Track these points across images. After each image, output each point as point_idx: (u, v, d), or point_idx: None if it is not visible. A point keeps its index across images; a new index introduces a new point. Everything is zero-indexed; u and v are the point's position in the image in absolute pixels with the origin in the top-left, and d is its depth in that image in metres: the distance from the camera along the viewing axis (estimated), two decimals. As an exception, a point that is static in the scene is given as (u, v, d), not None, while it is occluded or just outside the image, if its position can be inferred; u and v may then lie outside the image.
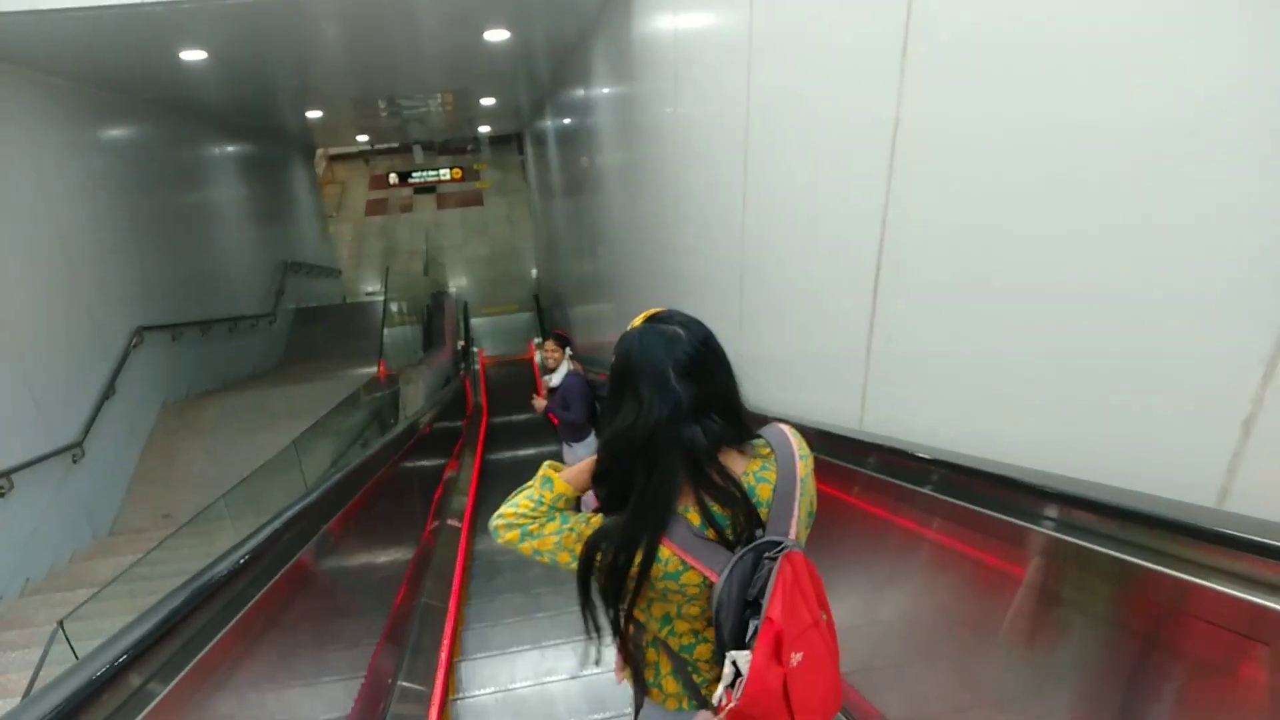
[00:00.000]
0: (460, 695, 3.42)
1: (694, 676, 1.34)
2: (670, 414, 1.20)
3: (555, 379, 4.73)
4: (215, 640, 1.68)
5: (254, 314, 10.26)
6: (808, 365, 2.90)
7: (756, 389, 1.38)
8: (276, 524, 2.29)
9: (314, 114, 11.32)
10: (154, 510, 5.94)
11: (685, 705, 1.35)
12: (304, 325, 12.65)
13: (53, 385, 5.59)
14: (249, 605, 1.88)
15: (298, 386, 8.37)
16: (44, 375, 5.50)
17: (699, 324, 1.30)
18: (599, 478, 1.32)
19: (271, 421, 7.05)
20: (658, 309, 1.32)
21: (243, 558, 1.94)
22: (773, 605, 1.16)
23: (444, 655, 3.46)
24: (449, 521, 5.39)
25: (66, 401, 5.74)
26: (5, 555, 4.98)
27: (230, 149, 11.23)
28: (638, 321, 1.30)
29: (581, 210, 8.73)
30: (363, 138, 14.72)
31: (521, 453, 9.79)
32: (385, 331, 9.64)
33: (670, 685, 1.36)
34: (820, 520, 1.39)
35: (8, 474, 4.97)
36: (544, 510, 1.31)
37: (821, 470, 1.42)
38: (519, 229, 19.79)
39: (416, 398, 7.48)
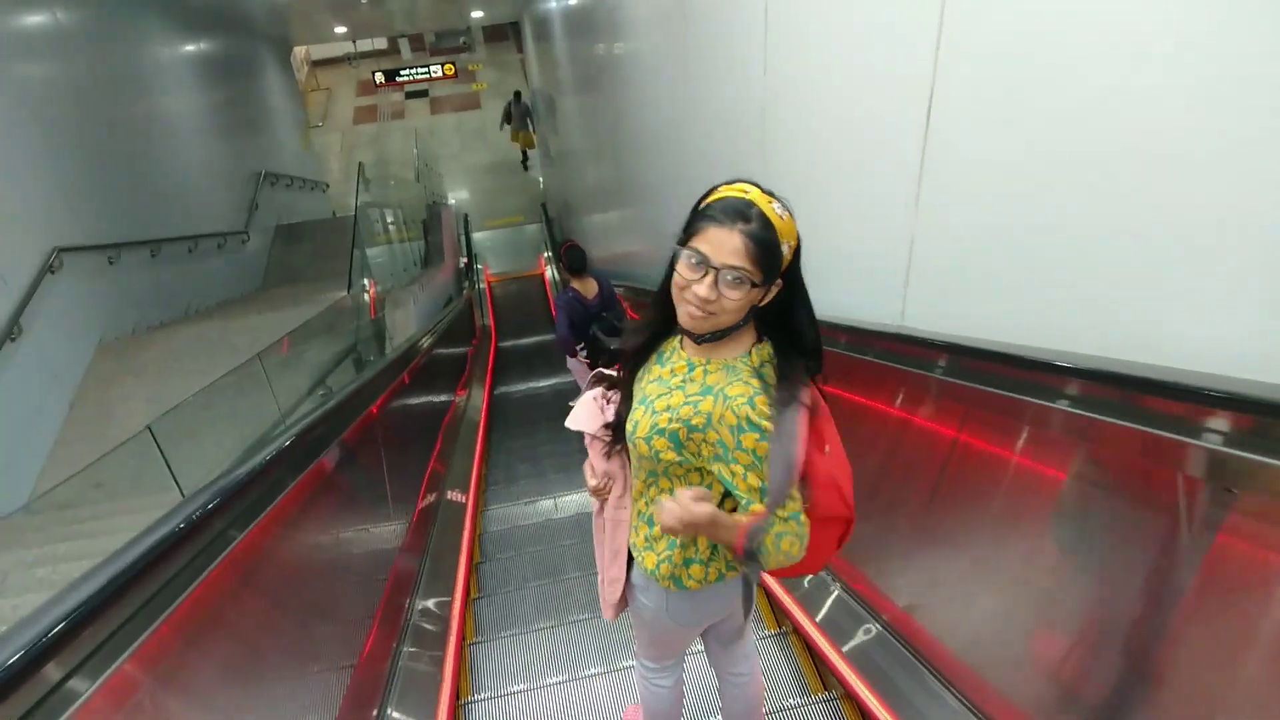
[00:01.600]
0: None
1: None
2: None
3: None
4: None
5: (219, 231, 8.86)
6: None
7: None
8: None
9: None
10: (83, 478, 4.71)
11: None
12: (286, 244, 11.24)
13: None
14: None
15: (271, 315, 7.03)
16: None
17: None
18: None
19: (233, 359, 5.75)
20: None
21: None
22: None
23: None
24: (450, 495, 4.17)
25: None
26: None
27: (185, 46, 9.62)
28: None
29: (600, 107, 7.15)
30: (341, 29, 12.95)
31: (538, 384, 8.56)
32: (367, 249, 8.28)
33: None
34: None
35: None
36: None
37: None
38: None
39: (407, 324, 6.18)
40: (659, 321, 1.39)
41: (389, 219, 9.38)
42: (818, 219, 1.78)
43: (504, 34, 21.88)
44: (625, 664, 2.66)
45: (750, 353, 1.30)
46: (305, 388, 4.41)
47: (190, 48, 9.84)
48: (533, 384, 8.67)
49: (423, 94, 19.90)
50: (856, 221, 2.39)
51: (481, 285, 12.93)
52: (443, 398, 5.39)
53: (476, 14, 13.35)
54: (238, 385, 4.20)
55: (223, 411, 4.09)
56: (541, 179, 16.34)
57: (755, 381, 1.25)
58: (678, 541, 1.42)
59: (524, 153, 16.21)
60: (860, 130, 2.31)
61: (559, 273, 8.56)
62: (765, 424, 1.22)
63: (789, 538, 1.23)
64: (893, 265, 2.16)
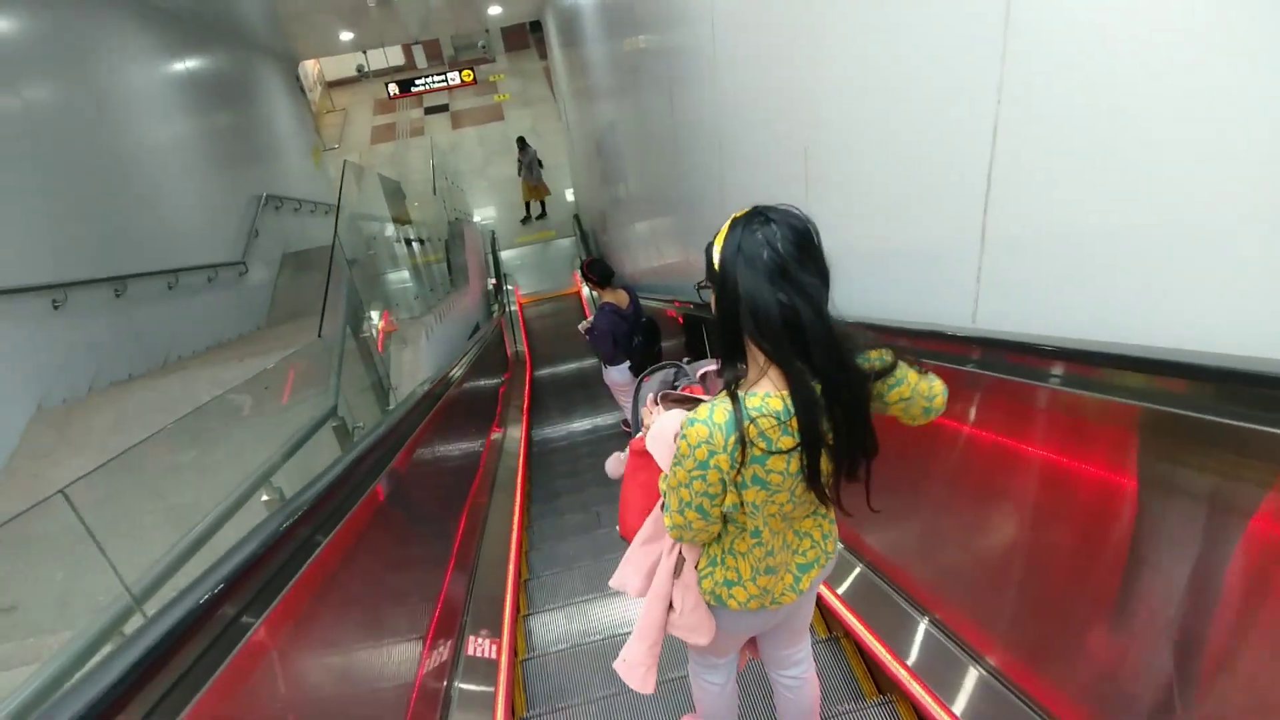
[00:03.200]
0: None
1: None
2: None
3: None
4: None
5: (209, 263, 7.65)
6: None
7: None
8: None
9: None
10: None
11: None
12: (295, 273, 10.03)
13: None
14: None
15: (263, 359, 5.74)
16: None
17: None
18: None
19: (244, 423, 4.48)
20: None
21: None
22: None
23: None
24: (484, 594, 2.79)
25: None
26: None
27: (170, 61, 8.51)
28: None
29: (649, 106, 5.81)
30: (348, 35, 11.84)
31: (578, 425, 7.18)
32: (383, 274, 6.97)
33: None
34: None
35: None
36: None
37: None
38: (548, 143, 16.80)
39: (418, 366, 4.84)
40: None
41: (409, 235, 8.05)
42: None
43: (525, 41, 20.79)
44: (675, 674, 2.44)
45: (760, 394, 1.25)
46: (242, 488, 2.87)
47: (178, 63, 8.73)
48: (577, 424, 7.30)
49: (442, 108, 18.82)
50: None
51: (513, 308, 11.65)
52: (462, 474, 4.05)
53: (494, 10, 12.08)
54: (115, 490, 2.81)
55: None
56: (570, 190, 15.06)
57: (721, 415, 1.23)
58: (719, 560, 1.46)
59: (528, 205, 14.72)
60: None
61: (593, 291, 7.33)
62: (683, 445, 1.26)
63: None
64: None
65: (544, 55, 18.25)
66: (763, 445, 1.21)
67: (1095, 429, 1.46)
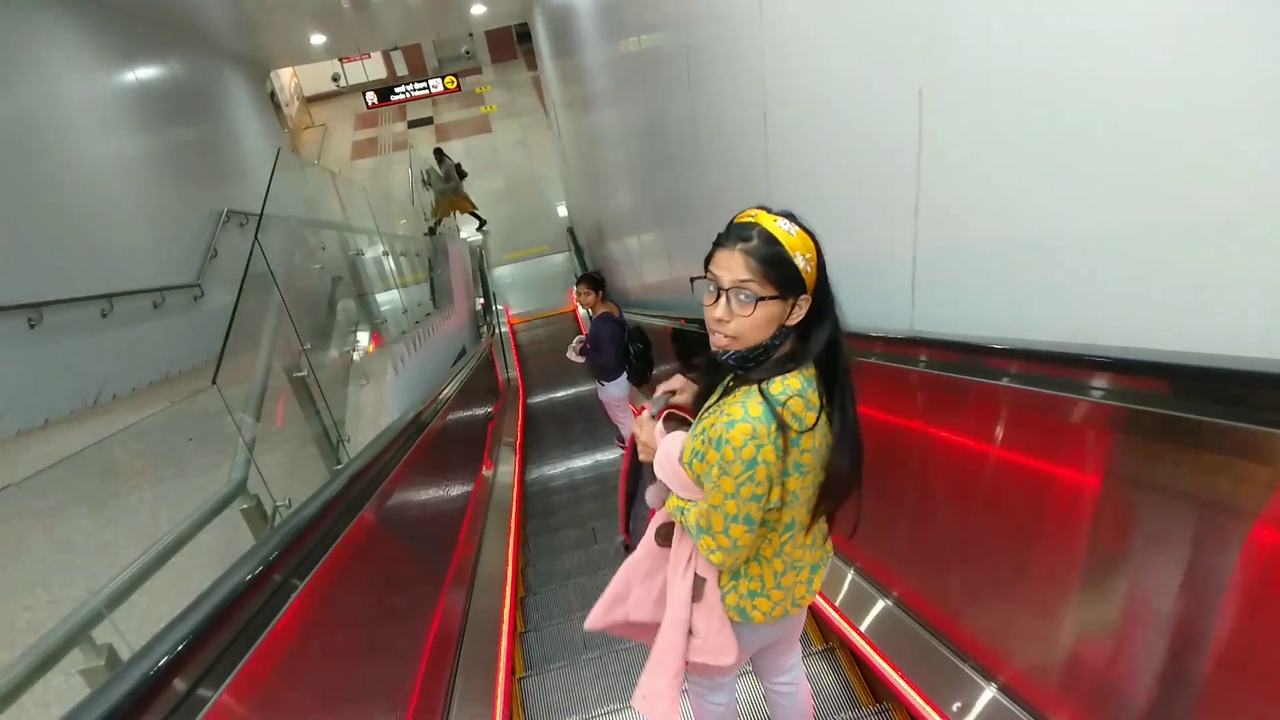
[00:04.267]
0: None
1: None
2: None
3: None
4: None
5: (155, 287, 6.72)
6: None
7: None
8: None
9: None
10: None
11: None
12: (263, 296, 9.12)
13: None
14: None
15: (206, 400, 4.80)
16: None
17: None
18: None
19: (103, 498, 3.58)
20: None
21: None
22: None
23: None
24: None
25: None
26: None
27: (113, 63, 7.63)
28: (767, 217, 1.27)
29: (651, 112, 5.04)
30: (320, 39, 10.97)
31: (579, 462, 6.28)
32: (359, 296, 6.05)
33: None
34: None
35: None
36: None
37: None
38: (538, 155, 16.00)
39: (383, 407, 3.91)
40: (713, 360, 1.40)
41: (382, 249, 7.07)
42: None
43: (512, 52, 20.05)
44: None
45: (775, 380, 1.27)
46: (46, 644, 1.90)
47: (126, 70, 7.85)
48: (578, 460, 6.38)
49: (427, 121, 17.99)
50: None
51: (503, 329, 10.73)
52: (435, 551, 3.13)
53: (477, 9, 11.20)
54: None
55: None
56: (561, 205, 14.20)
57: (757, 409, 1.23)
58: (741, 572, 1.45)
59: (437, 223, 13.36)
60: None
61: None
62: (728, 450, 1.23)
63: (694, 513, 1.37)
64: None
65: (533, 66, 17.48)
66: (797, 426, 1.24)
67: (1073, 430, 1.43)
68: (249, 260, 3.35)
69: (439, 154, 12.70)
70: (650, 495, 1.56)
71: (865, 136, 2.15)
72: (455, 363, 6.99)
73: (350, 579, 1.90)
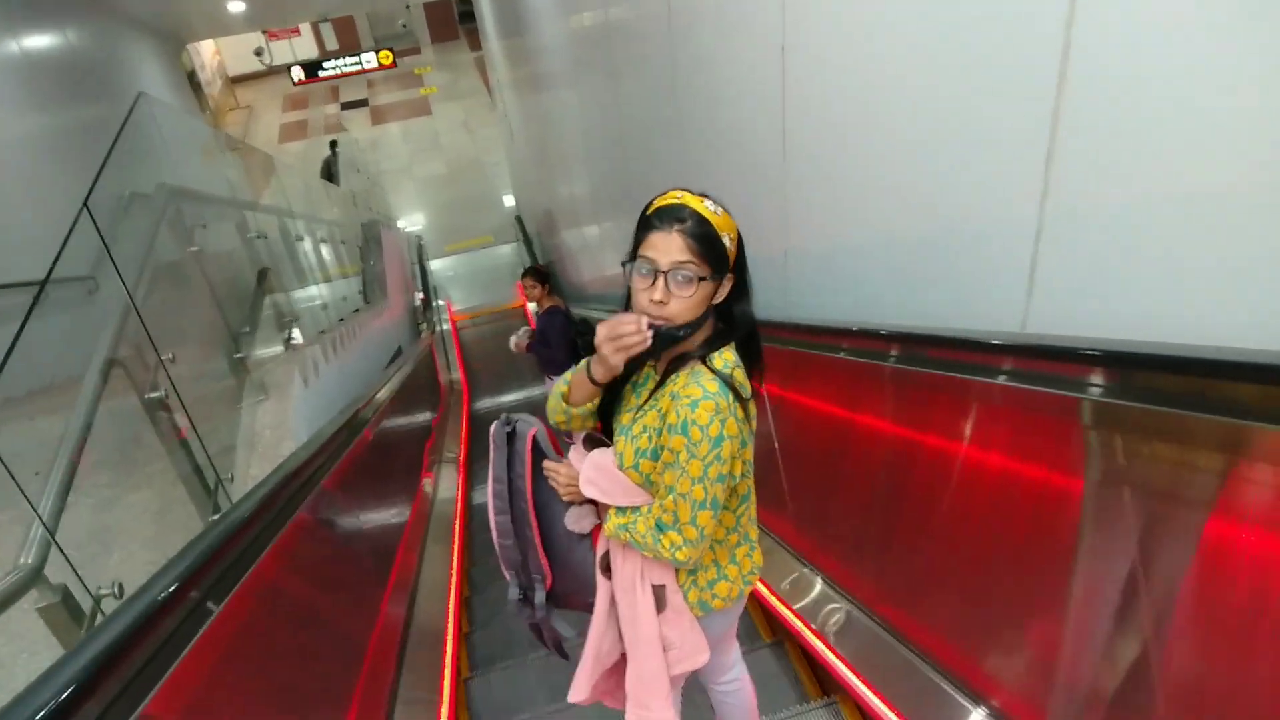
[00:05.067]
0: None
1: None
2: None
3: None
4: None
5: (25, 281, 5.71)
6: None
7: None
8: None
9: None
10: None
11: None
12: (173, 289, 8.10)
13: None
14: None
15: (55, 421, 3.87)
16: None
17: None
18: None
19: None
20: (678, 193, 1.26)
21: None
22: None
23: None
24: None
25: None
26: None
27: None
28: (701, 201, 1.25)
29: (618, 89, 4.37)
30: (238, 7, 9.88)
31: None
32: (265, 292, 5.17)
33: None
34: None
35: None
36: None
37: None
38: (483, 140, 15.09)
39: (285, 426, 3.11)
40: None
41: (298, 234, 6.13)
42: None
43: (454, 32, 19.03)
44: None
45: (714, 356, 1.29)
46: None
47: (7, 38, 6.76)
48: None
49: (361, 103, 16.87)
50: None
51: (445, 327, 9.89)
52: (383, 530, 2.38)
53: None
54: None
55: None
56: (511, 194, 13.34)
57: (712, 385, 1.24)
58: (697, 564, 1.42)
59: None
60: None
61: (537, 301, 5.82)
62: (695, 431, 1.22)
63: (641, 524, 1.33)
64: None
65: (476, 47, 16.52)
66: (745, 393, 1.28)
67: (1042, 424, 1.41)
68: (64, 243, 2.53)
69: (333, 145, 11.63)
70: (571, 520, 1.51)
71: (964, 55, 1.50)
72: (390, 364, 6.19)
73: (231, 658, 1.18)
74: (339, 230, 7.24)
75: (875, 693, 1.93)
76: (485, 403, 7.98)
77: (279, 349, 3.96)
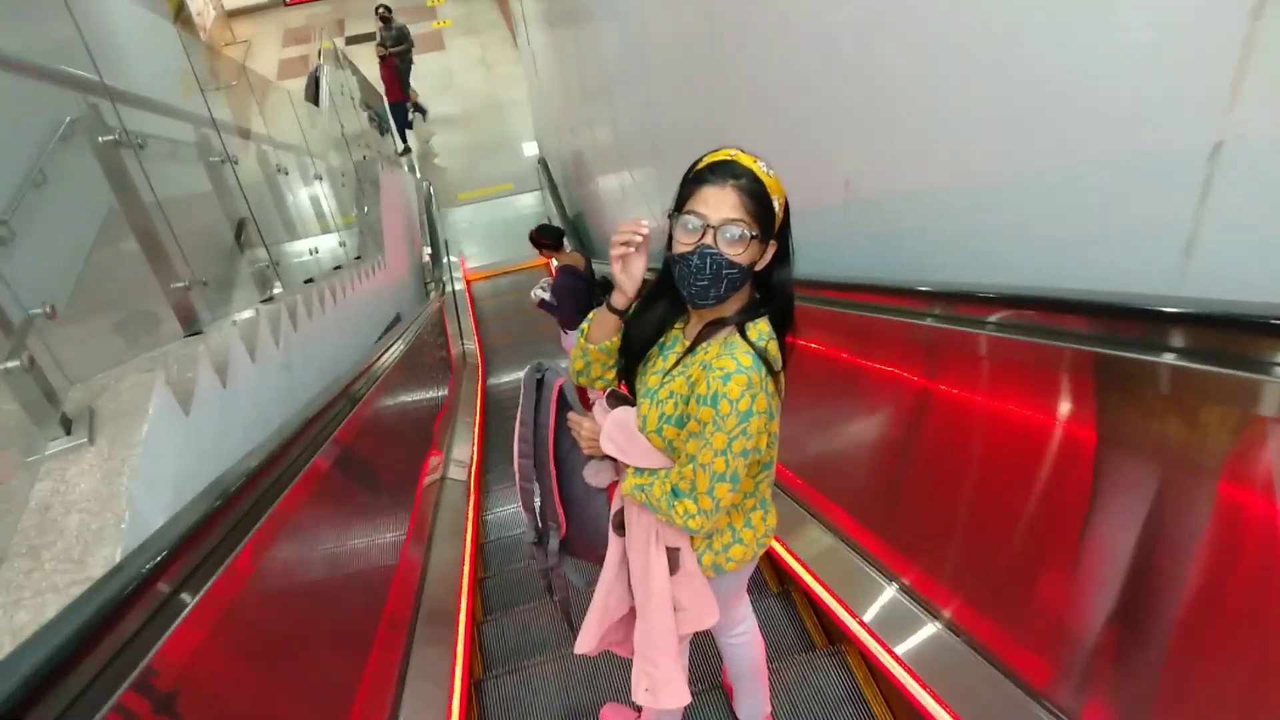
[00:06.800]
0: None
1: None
2: None
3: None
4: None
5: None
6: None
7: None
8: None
9: None
10: None
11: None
12: (127, 240, 6.76)
13: None
14: None
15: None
16: None
17: None
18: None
19: None
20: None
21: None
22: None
23: None
24: None
25: None
26: None
27: None
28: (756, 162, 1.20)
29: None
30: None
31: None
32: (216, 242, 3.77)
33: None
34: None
35: None
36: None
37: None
38: (503, 78, 13.54)
39: (228, 437, 1.78)
40: (666, 306, 1.35)
41: (274, 167, 4.64)
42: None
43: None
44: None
45: (749, 326, 1.26)
46: None
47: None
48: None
49: (369, 37, 15.31)
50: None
51: (458, 287, 8.51)
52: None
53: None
54: None
55: None
56: (534, 139, 11.80)
57: (746, 358, 1.21)
58: (714, 529, 1.43)
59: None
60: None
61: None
62: (724, 405, 1.18)
63: (657, 485, 1.30)
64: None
65: (494, -27, 14.88)
66: (777, 367, 1.25)
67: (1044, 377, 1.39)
68: None
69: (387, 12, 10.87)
70: (590, 473, 1.48)
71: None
72: (386, 333, 4.83)
73: None
74: (319, 165, 5.82)
75: (881, 643, 1.91)
76: (505, 378, 6.63)
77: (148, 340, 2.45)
